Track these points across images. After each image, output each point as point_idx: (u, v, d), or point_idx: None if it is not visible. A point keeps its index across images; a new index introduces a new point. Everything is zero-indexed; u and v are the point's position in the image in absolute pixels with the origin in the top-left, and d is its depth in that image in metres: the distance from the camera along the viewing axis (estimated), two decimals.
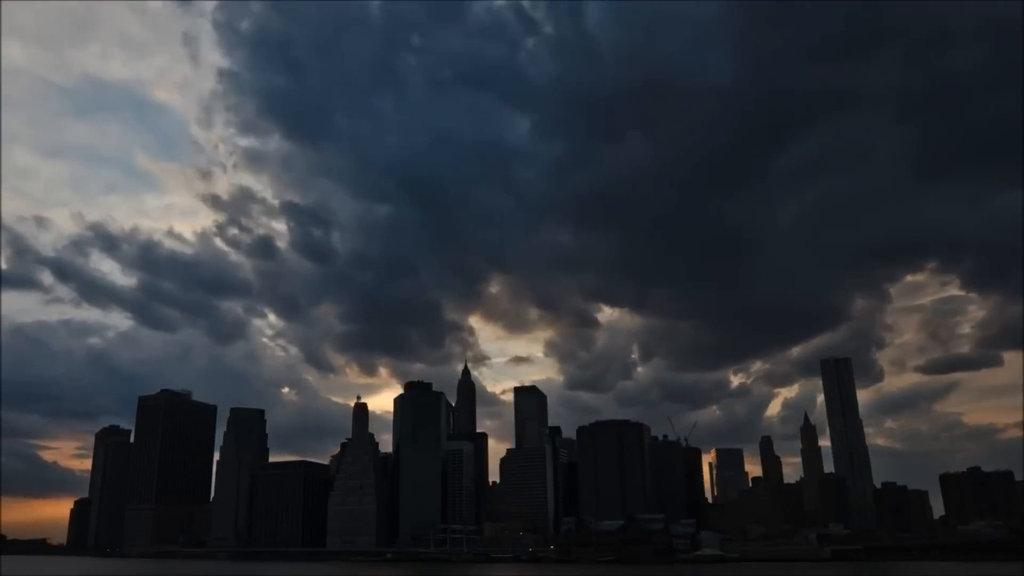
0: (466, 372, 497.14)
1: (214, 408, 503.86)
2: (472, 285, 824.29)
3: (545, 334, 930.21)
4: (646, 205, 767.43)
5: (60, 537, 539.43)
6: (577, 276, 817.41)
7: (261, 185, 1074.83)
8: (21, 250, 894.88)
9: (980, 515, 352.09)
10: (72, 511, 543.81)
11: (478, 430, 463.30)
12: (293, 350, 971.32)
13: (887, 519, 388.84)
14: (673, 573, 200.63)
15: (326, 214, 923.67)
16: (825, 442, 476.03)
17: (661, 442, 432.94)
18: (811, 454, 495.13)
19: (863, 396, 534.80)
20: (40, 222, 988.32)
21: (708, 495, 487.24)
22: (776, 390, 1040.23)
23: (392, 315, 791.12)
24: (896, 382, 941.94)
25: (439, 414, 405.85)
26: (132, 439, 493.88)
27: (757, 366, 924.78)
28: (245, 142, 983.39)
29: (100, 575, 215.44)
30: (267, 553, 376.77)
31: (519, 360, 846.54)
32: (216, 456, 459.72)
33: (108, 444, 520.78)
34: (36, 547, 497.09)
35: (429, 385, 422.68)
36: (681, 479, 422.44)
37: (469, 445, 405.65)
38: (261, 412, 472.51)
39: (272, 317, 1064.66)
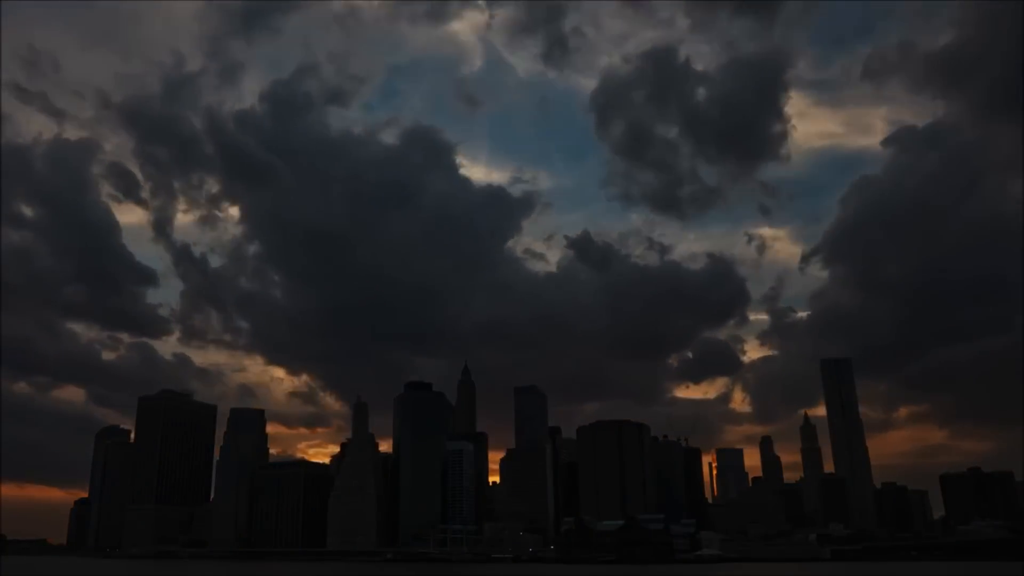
0: (466, 371, 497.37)
1: (214, 408, 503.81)
2: None
3: None
4: None
5: (60, 537, 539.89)
6: None
7: None
8: None
9: (980, 515, 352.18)
10: (72, 511, 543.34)
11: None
12: None
13: (887, 519, 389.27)
14: (673, 573, 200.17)
15: None
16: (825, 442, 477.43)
17: (661, 442, 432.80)
18: (811, 454, 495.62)
19: None
20: None
21: (708, 495, 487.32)
22: None
23: None
24: None
25: (439, 414, 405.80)
26: (132, 439, 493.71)
27: None
28: None
29: (100, 575, 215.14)
30: (267, 553, 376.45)
31: None
32: (216, 456, 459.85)
33: (108, 444, 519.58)
34: (36, 547, 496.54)
35: (429, 385, 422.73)
36: (681, 479, 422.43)
37: (469, 445, 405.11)
38: (261, 412, 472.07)
39: None
